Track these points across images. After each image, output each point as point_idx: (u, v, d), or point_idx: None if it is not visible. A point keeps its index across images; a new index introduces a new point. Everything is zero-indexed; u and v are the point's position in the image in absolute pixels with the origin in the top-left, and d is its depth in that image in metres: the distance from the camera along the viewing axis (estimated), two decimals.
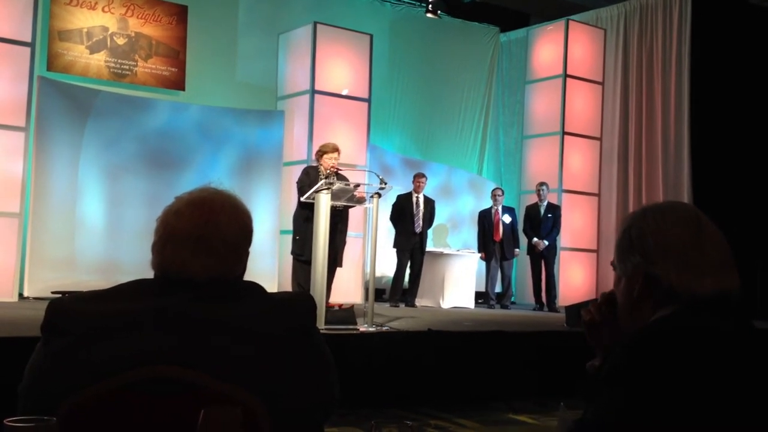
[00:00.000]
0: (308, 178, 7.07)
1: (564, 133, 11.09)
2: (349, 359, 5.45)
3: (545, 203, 10.33)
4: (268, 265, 9.18)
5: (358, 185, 6.58)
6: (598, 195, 11.35)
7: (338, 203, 6.59)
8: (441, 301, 9.91)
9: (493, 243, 10.30)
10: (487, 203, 10.65)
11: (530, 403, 5.95)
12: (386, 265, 10.00)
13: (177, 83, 10.07)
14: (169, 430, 1.40)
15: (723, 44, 10.40)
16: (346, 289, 8.93)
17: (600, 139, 11.39)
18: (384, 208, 8.92)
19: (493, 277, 10.35)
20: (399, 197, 9.67)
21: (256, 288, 1.61)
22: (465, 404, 5.73)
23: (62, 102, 8.42)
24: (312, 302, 1.63)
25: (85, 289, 1.65)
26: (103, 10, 9.58)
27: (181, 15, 10.11)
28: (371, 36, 10.10)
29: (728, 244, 1.46)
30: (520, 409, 5.79)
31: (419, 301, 9.74)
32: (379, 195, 6.33)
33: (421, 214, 9.64)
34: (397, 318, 7.35)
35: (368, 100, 9.97)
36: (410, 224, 9.58)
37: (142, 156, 8.94)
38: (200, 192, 1.64)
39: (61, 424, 1.28)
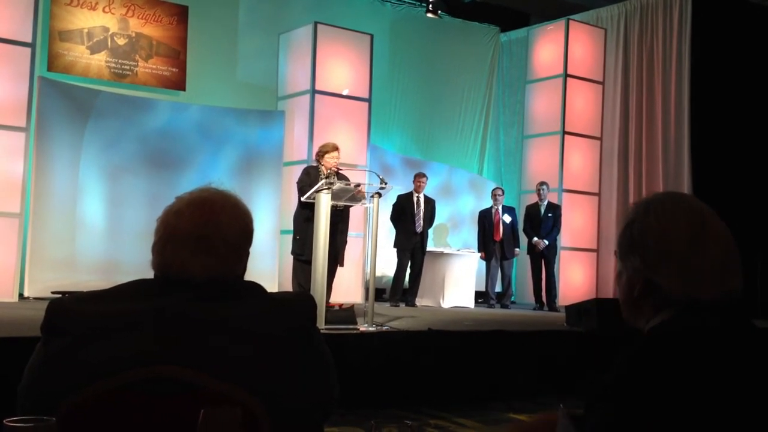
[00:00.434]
0: (309, 178, 7.07)
1: (564, 132, 11.09)
2: (349, 359, 5.45)
3: (545, 203, 10.33)
4: (268, 265, 9.18)
5: (358, 185, 6.58)
6: (599, 194, 11.35)
7: (339, 203, 6.58)
8: (441, 301, 9.91)
9: (493, 243, 10.30)
10: (488, 203, 10.65)
11: (530, 402, 5.95)
12: (386, 264, 10.00)
13: (177, 83, 10.07)
14: (169, 430, 1.40)
15: (723, 44, 10.39)
16: (347, 288, 8.93)
17: (600, 138, 11.39)
18: (384, 207, 8.92)
19: (494, 276, 10.35)
20: (399, 197, 9.67)
21: (256, 288, 1.61)
22: (465, 404, 5.73)
23: (63, 102, 8.42)
24: (312, 302, 1.64)
25: (85, 290, 1.65)
26: (103, 11, 9.58)
27: (181, 15, 10.11)
28: (372, 36, 10.10)
29: (734, 244, 1.42)
30: (519, 408, 5.79)
31: (419, 301, 9.75)
32: (380, 195, 6.33)
33: (421, 213, 9.64)
34: (398, 318, 7.35)
35: (369, 100, 9.97)
36: (411, 224, 9.58)
37: (142, 156, 8.94)
38: (201, 192, 1.64)
39: (60, 424, 1.28)
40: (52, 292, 7.39)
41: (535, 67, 11.73)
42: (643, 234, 1.42)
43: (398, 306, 9.35)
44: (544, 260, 10.21)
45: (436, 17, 12.06)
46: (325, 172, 7.03)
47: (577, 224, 11.05)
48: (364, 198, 6.65)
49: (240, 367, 1.45)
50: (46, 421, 1.19)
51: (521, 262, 11.06)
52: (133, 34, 9.79)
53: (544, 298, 10.22)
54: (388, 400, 5.54)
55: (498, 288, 10.46)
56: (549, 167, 11.15)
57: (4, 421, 1.16)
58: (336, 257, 6.90)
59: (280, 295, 1.69)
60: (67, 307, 1.54)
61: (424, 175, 9.85)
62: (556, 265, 10.46)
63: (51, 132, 8.26)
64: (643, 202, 1.48)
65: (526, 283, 10.94)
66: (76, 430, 1.38)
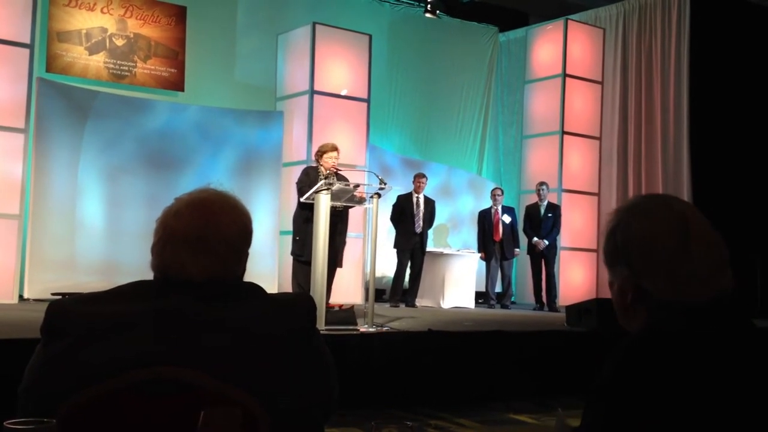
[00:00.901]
0: (308, 179, 7.07)
1: (563, 132, 11.10)
2: (349, 360, 5.45)
3: (545, 203, 10.33)
4: (267, 266, 9.18)
5: (357, 185, 6.58)
6: (598, 194, 11.36)
7: (338, 203, 6.58)
8: (441, 301, 9.91)
9: (493, 243, 10.30)
10: (487, 203, 10.65)
11: (530, 403, 5.95)
12: (386, 265, 10.00)
13: (176, 84, 10.07)
14: (169, 430, 1.40)
15: (722, 43, 10.40)
16: (347, 289, 8.93)
17: (599, 138, 11.40)
18: (384, 208, 8.91)
19: (493, 277, 10.35)
20: (399, 197, 9.67)
21: (256, 289, 1.60)
22: (465, 404, 5.73)
23: (61, 103, 8.42)
24: (312, 303, 1.63)
25: (85, 291, 1.65)
26: (101, 12, 9.57)
27: (180, 16, 10.10)
28: (370, 36, 10.10)
29: (721, 241, 1.41)
30: (520, 409, 5.79)
31: (419, 302, 9.74)
32: (379, 195, 6.33)
33: (421, 214, 9.64)
34: (398, 318, 7.35)
35: (367, 101, 9.97)
36: (411, 224, 9.58)
37: (141, 157, 8.94)
38: (200, 193, 1.64)
39: (60, 425, 1.28)
40: (52, 294, 7.38)
41: (533, 67, 11.73)
42: (627, 242, 1.42)
43: (398, 306, 9.35)
44: (544, 260, 10.21)
45: (435, 17, 12.06)
46: (324, 173, 7.03)
47: (577, 224, 11.05)
48: (363, 200, 6.65)
49: (240, 368, 1.45)
50: (46, 423, 1.19)
51: (521, 263, 11.06)
52: (132, 35, 9.79)
53: (544, 299, 10.22)
54: (388, 400, 5.54)
55: (498, 288, 10.46)
56: (548, 167, 11.15)
57: (5, 423, 1.16)
58: (335, 258, 6.89)
59: (280, 296, 1.68)
60: (66, 309, 1.54)
61: (424, 176, 9.85)
62: (556, 266, 10.46)
63: (50, 133, 8.26)
64: (623, 209, 1.47)
65: (526, 283, 10.94)
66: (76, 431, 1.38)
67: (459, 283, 10.10)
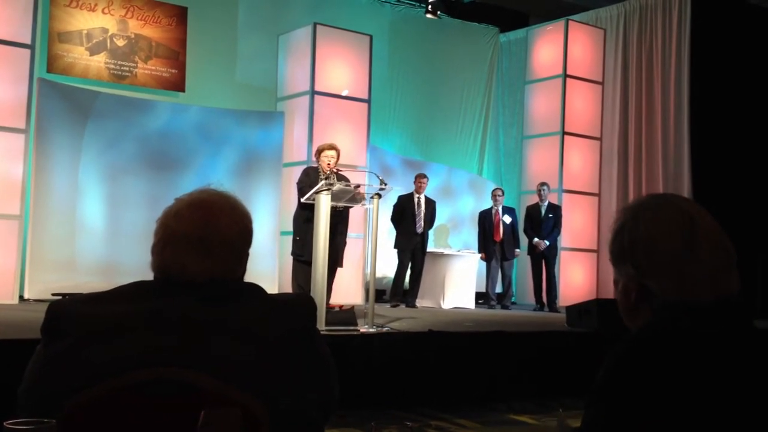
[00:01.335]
0: (308, 179, 7.07)
1: (564, 133, 11.10)
2: (349, 360, 5.45)
3: (546, 203, 10.33)
4: (268, 266, 9.18)
5: (358, 186, 6.58)
6: (599, 195, 11.35)
7: (338, 204, 6.58)
8: (441, 302, 9.91)
9: (493, 243, 10.30)
10: (488, 203, 10.65)
11: (531, 403, 5.95)
12: (387, 265, 10.00)
13: (177, 84, 10.07)
14: (170, 431, 1.40)
15: (722, 44, 10.40)
16: (347, 289, 8.93)
17: (600, 139, 11.40)
18: (384, 208, 8.92)
19: (494, 277, 10.35)
20: (400, 197, 9.68)
21: (256, 289, 1.61)
22: (465, 405, 5.73)
23: (62, 104, 8.42)
24: (312, 303, 1.63)
25: (85, 291, 1.65)
26: (102, 12, 9.58)
27: (180, 16, 10.11)
28: (371, 37, 10.10)
29: (728, 243, 1.41)
30: (520, 409, 5.79)
31: (420, 302, 9.74)
32: (380, 196, 6.33)
33: (422, 214, 9.65)
34: (398, 319, 7.35)
35: (368, 101, 9.97)
36: (411, 224, 9.58)
37: (142, 157, 8.94)
38: (200, 194, 1.64)
39: (61, 425, 1.28)
40: (52, 294, 7.38)
41: (534, 68, 11.73)
42: (634, 242, 1.42)
43: (398, 307, 9.35)
44: (545, 261, 10.21)
45: (436, 18, 12.06)
46: (325, 172, 7.02)
47: (577, 225, 11.05)
48: (363, 199, 6.65)
49: (240, 369, 1.45)
50: (47, 423, 1.19)
51: (521, 263, 11.05)
52: (133, 36, 9.79)
53: (544, 299, 10.22)
54: (388, 401, 5.54)
55: (498, 289, 10.45)
56: (549, 168, 11.15)
57: (5, 424, 1.16)
58: (336, 258, 6.89)
59: (281, 297, 1.68)
60: (67, 309, 1.54)
61: (425, 176, 9.85)
62: (556, 266, 10.46)
63: (50, 133, 8.26)
64: (630, 208, 1.47)
65: (527, 283, 10.93)
66: None
67: (459, 283, 10.10)
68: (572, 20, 11.45)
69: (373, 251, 6.52)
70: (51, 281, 7.93)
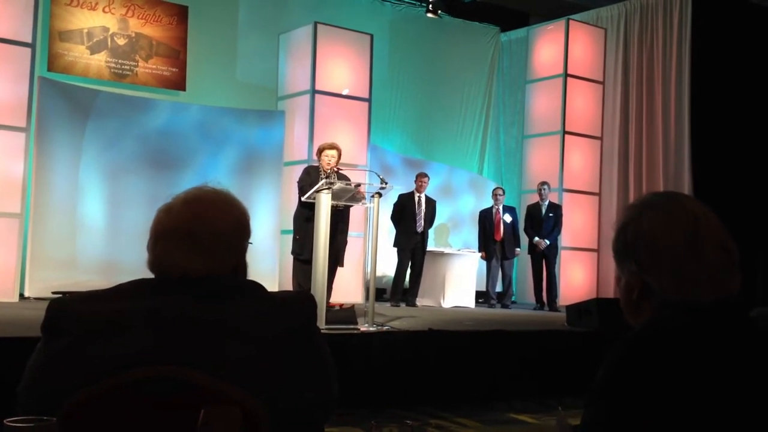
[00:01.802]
0: (309, 178, 7.07)
1: (564, 132, 11.09)
2: (349, 359, 5.45)
3: (547, 203, 10.33)
4: (268, 265, 9.18)
5: (358, 185, 6.58)
6: (599, 194, 11.35)
7: (339, 203, 6.58)
8: (442, 301, 9.91)
9: (493, 242, 10.30)
10: (488, 203, 10.65)
11: (531, 402, 5.95)
12: (387, 264, 10.00)
13: (177, 83, 10.07)
14: (169, 429, 1.40)
15: (723, 44, 10.40)
16: (347, 288, 8.93)
17: (600, 138, 11.39)
18: (385, 207, 8.91)
19: (494, 276, 10.35)
20: (401, 196, 9.68)
21: (256, 287, 1.60)
22: (466, 403, 5.73)
23: (63, 102, 8.42)
24: (312, 302, 1.63)
25: (85, 290, 1.65)
26: (103, 11, 9.58)
27: (181, 15, 10.11)
28: (372, 36, 10.10)
29: (731, 243, 1.41)
30: (520, 408, 5.79)
31: (420, 301, 9.74)
32: (380, 195, 6.33)
33: (422, 213, 9.65)
34: (398, 317, 7.35)
35: (369, 100, 9.97)
36: (412, 223, 9.58)
37: (142, 156, 8.94)
38: (193, 190, 1.65)
39: (60, 424, 1.28)
40: (53, 292, 7.38)
41: (535, 67, 11.73)
42: (637, 238, 1.42)
43: (399, 306, 9.35)
44: (545, 260, 10.21)
45: (436, 17, 12.06)
46: (326, 171, 7.03)
47: (578, 224, 11.05)
48: (364, 198, 6.65)
49: (240, 367, 1.45)
50: (47, 421, 1.19)
51: (522, 262, 11.05)
52: (133, 34, 9.79)
53: (544, 298, 10.21)
54: (388, 400, 5.54)
55: (498, 288, 10.45)
56: (549, 167, 11.15)
57: (5, 421, 1.16)
58: (336, 257, 6.89)
59: (280, 295, 1.68)
60: (67, 307, 1.54)
61: (425, 175, 9.85)
62: (556, 265, 10.46)
63: (51, 132, 8.26)
64: (635, 205, 1.48)
65: (527, 282, 10.93)
66: (76, 430, 1.38)
67: (459, 282, 10.10)
68: (573, 20, 11.45)
69: (373, 250, 6.52)
70: (51, 279, 7.93)
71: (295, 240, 7.23)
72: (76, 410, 1.39)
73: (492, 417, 5.52)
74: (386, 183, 6.35)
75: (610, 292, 10.81)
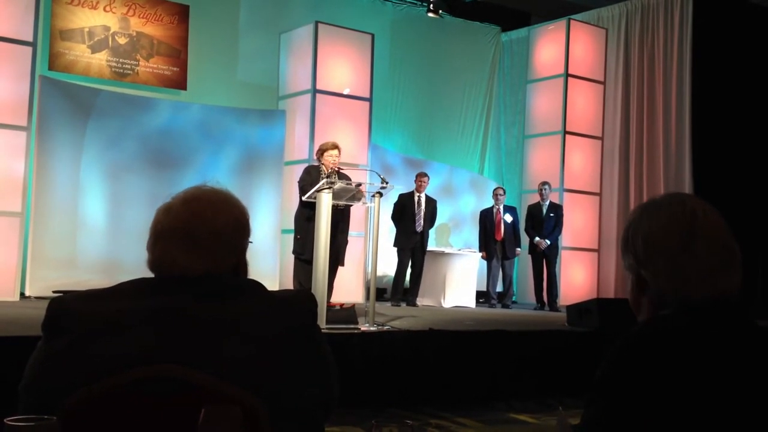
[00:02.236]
0: (310, 177, 7.07)
1: (565, 132, 11.09)
2: (350, 358, 5.46)
3: (547, 202, 10.33)
4: (269, 265, 9.18)
5: (359, 184, 6.58)
6: (600, 194, 11.35)
7: (339, 202, 6.58)
8: (442, 301, 9.91)
9: (494, 242, 10.30)
10: (489, 202, 10.65)
11: (531, 402, 5.95)
12: (387, 264, 10.00)
13: (178, 83, 10.07)
14: (170, 428, 1.40)
15: (724, 44, 10.39)
16: (348, 288, 8.92)
17: (601, 138, 11.39)
18: (385, 207, 8.91)
19: (495, 276, 10.35)
20: (401, 196, 9.68)
21: (256, 286, 1.60)
22: (466, 403, 5.73)
23: (64, 101, 8.42)
24: (312, 301, 1.63)
25: (86, 289, 1.65)
26: (104, 10, 9.58)
27: (182, 14, 10.11)
28: (373, 35, 10.09)
29: (732, 243, 1.42)
30: (520, 408, 5.79)
31: (420, 301, 9.74)
32: (381, 194, 6.33)
33: (422, 213, 9.65)
34: (399, 317, 7.35)
35: (369, 100, 9.97)
36: (411, 223, 9.58)
37: (143, 155, 8.94)
38: (193, 190, 1.65)
39: (62, 422, 1.28)
40: (53, 291, 7.38)
41: (536, 67, 11.73)
42: (636, 234, 1.45)
43: (399, 306, 9.35)
44: (546, 260, 10.21)
45: (437, 17, 12.06)
46: (326, 171, 7.03)
47: (578, 224, 11.05)
48: (364, 197, 6.65)
49: (240, 366, 1.45)
50: (47, 420, 1.19)
51: (522, 262, 11.05)
52: (134, 33, 9.80)
53: (545, 298, 10.22)
54: (389, 399, 5.55)
55: (499, 288, 10.45)
56: (550, 167, 11.15)
57: (5, 420, 1.16)
58: (337, 257, 6.89)
59: (281, 294, 1.68)
60: (67, 306, 1.54)
61: (425, 175, 9.85)
62: (557, 265, 10.46)
63: (52, 131, 8.26)
64: (643, 204, 1.50)
65: (527, 282, 10.93)
66: (77, 429, 1.38)
67: (460, 282, 10.10)
68: (574, 19, 11.44)
69: (374, 250, 6.53)
70: (52, 278, 7.94)
71: (296, 240, 7.23)
72: (76, 409, 1.39)
73: (492, 417, 5.52)
74: (387, 182, 6.35)
75: (610, 292, 10.81)
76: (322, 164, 7.17)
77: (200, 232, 1.57)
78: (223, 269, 1.59)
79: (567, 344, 6.69)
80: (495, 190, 10.64)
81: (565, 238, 10.74)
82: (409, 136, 12.18)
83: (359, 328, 6.03)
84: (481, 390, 6.01)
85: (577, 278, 11.00)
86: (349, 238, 7.46)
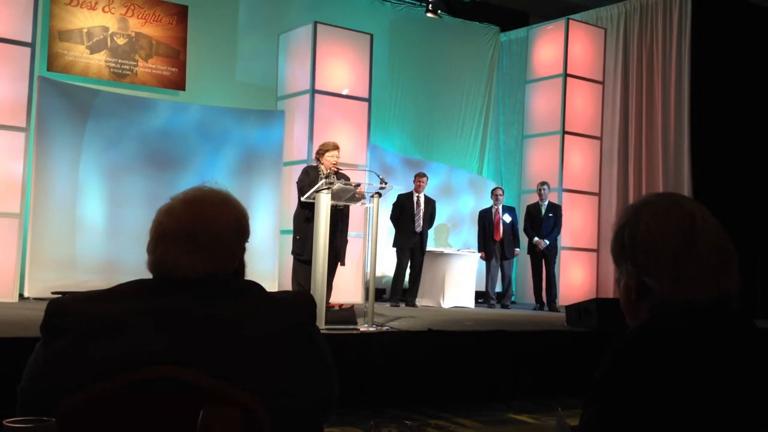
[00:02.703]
0: (308, 178, 7.07)
1: (564, 132, 11.09)
2: (349, 359, 5.46)
3: (546, 202, 10.33)
4: (268, 265, 9.18)
5: (358, 185, 6.58)
6: (599, 194, 11.35)
7: (339, 202, 6.58)
8: (441, 301, 9.91)
9: (493, 242, 10.30)
10: (488, 203, 10.65)
11: (530, 402, 5.96)
12: (387, 264, 10.00)
13: (177, 83, 10.07)
14: (169, 430, 1.40)
15: (723, 43, 10.40)
16: (347, 288, 8.93)
17: (600, 138, 11.39)
18: (384, 207, 8.91)
19: (494, 276, 10.35)
20: (400, 196, 9.68)
21: (255, 287, 1.61)
22: (465, 404, 5.74)
23: (62, 102, 8.42)
24: (311, 302, 1.63)
25: (85, 290, 1.65)
26: (103, 10, 9.58)
27: (181, 15, 10.11)
28: (371, 36, 10.09)
29: (729, 243, 1.41)
30: (520, 408, 5.79)
31: (420, 301, 9.74)
32: (380, 195, 6.33)
33: (421, 213, 9.65)
34: (398, 318, 7.35)
35: (368, 100, 9.97)
36: (410, 223, 9.58)
37: (142, 156, 8.93)
38: (193, 191, 1.65)
39: (60, 424, 1.28)
40: (52, 293, 7.38)
41: (534, 67, 11.73)
42: (633, 239, 1.43)
43: (398, 306, 9.35)
44: (545, 260, 10.21)
45: (436, 17, 12.06)
46: (325, 172, 7.03)
47: (577, 224, 11.05)
48: (363, 198, 6.65)
49: (239, 367, 1.45)
50: (46, 422, 1.19)
51: (521, 262, 11.06)
52: (133, 34, 9.79)
53: (544, 298, 10.22)
54: (388, 400, 5.55)
55: (498, 288, 10.45)
56: (549, 167, 11.15)
57: (4, 422, 1.16)
58: (336, 257, 6.89)
59: (280, 295, 1.68)
60: (66, 307, 1.54)
61: (424, 175, 9.85)
62: (556, 265, 10.46)
63: (51, 132, 8.26)
64: (633, 206, 1.48)
65: (527, 283, 10.94)
66: (76, 430, 1.38)
67: (459, 282, 10.10)
68: (573, 19, 11.45)
69: (373, 250, 6.53)
70: (51, 280, 7.93)
71: (295, 240, 7.23)
72: (75, 410, 1.39)
73: (491, 417, 5.52)
74: (386, 183, 6.35)
75: (609, 292, 10.81)
76: (322, 165, 7.17)
77: (202, 234, 1.57)
78: (224, 271, 1.60)
79: (566, 344, 6.69)
80: (494, 190, 10.64)
81: (564, 238, 10.74)
82: (408, 137, 12.19)
83: (358, 329, 6.03)
84: (480, 390, 6.01)
85: (576, 278, 11.00)
86: (348, 239, 7.45)
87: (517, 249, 10.48)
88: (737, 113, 10.32)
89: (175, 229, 1.57)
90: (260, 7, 10.79)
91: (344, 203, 6.72)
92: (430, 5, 11.95)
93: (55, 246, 8.24)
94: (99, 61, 9.55)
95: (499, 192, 10.51)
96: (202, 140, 9.34)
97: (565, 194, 10.95)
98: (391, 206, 9.73)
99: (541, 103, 11.52)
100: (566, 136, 11.09)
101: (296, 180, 7.39)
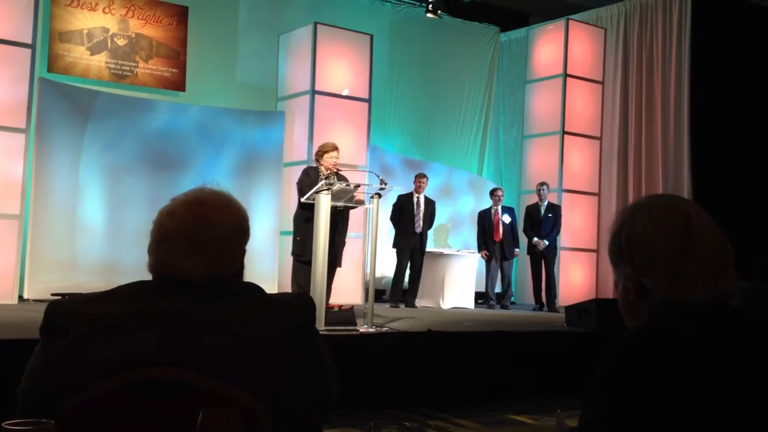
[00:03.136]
0: (308, 179, 7.07)
1: (564, 132, 11.09)
2: (348, 360, 5.45)
3: (546, 203, 10.33)
4: (268, 266, 9.18)
5: (358, 186, 6.58)
6: (598, 194, 11.35)
7: (338, 204, 6.58)
8: (441, 302, 9.91)
9: (493, 243, 10.30)
10: (487, 203, 10.64)
11: (530, 403, 5.96)
12: (386, 265, 10.00)
13: (177, 84, 10.07)
14: (169, 431, 1.40)
15: (723, 43, 10.40)
16: (346, 289, 8.93)
17: (600, 138, 11.39)
18: (384, 208, 8.91)
19: (493, 277, 10.34)
20: (400, 197, 9.68)
21: (255, 289, 1.61)
22: (464, 405, 5.74)
23: (63, 103, 8.42)
24: (311, 303, 1.64)
25: (85, 291, 1.66)
26: (103, 12, 9.58)
27: (181, 16, 10.11)
28: (371, 36, 10.10)
29: (726, 243, 1.42)
30: (519, 409, 5.79)
31: (419, 302, 9.74)
32: (380, 195, 6.33)
33: (421, 214, 9.64)
34: (397, 318, 7.35)
35: (368, 101, 9.97)
36: (410, 224, 9.58)
37: (142, 157, 8.93)
38: (194, 192, 1.65)
39: (60, 425, 1.28)
40: (52, 294, 7.37)
41: (534, 67, 11.73)
42: (630, 241, 1.43)
43: (398, 307, 9.35)
44: (544, 260, 10.21)
45: (436, 17, 12.06)
46: (325, 173, 7.02)
47: (577, 224, 11.05)
48: (362, 203, 6.67)
49: (239, 368, 1.45)
50: (45, 424, 1.19)
51: (521, 263, 11.05)
52: (133, 35, 9.80)
53: (543, 299, 10.22)
54: (387, 401, 5.55)
55: (498, 288, 10.45)
56: (549, 167, 11.15)
57: (4, 424, 1.16)
58: (335, 258, 6.89)
59: (279, 296, 1.69)
60: (66, 309, 1.54)
61: (424, 176, 9.85)
62: (556, 266, 10.45)
63: (51, 133, 8.26)
64: (629, 208, 1.48)
65: (526, 283, 10.94)
66: None
67: (459, 283, 10.10)
68: (572, 19, 11.45)
69: (372, 251, 6.53)
70: (51, 281, 7.93)
71: (295, 241, 7.23)
72: (75, 412, 1.40)
73: (491, 418, 5.52)
74: (386, 184, 6.35)
75: (609, 292, 10.81)
76: (321, 165, 7.17)
77: (204, 236, 1.57)
78: (225, 272, 1.60)
79: (566, 345, 6.69)
80: (493, 190, 10.63)
81: (564, 239, 10.74)
82: (408, 137, 12.19)
83: (358, 330, 6.03)
84: (479, 391, 6.01)
85: (576, 279, 11.00)
86: (348, 240, 7.45)
87: (517, 249, 10.48)
88: (737, 113, 10.32)
89: (177, 230, 1.58)
90: (260, 8, 10.79)
91: (344, 205, 6.72)
92: (430, 5, 11.95)
93: (55, 247, 8.24)
94: (99, 62, 9.55)
95: (499, 192, 10.50)
96: (202, 141, 9.34)
97: (564, 194, 10.95)
98: (391, 207, 9.72)
99: (541, 103, 11.52)
100: (566, 136, 11.09)
101: (296, 181, 7.39)
